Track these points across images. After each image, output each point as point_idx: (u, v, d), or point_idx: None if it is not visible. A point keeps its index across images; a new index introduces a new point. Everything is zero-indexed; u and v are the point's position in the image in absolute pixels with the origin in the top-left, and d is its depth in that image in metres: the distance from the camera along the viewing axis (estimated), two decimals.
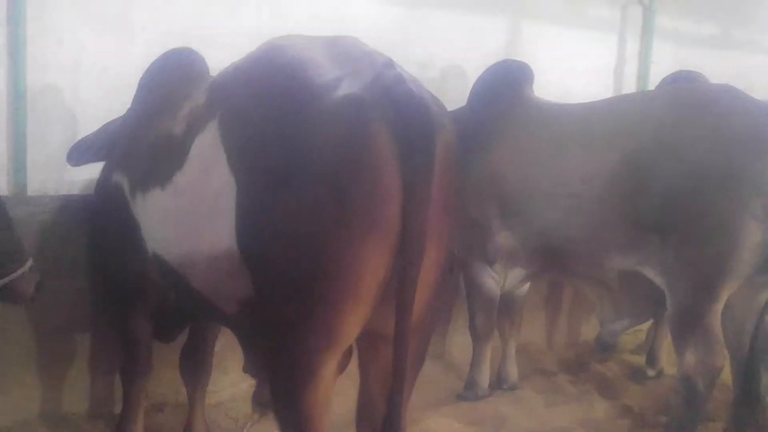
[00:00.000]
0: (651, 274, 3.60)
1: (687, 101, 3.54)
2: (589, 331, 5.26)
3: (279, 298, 2.22)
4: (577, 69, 5.89)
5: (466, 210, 4.09)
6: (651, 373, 4.79)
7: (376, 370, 2.49)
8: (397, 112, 2.11)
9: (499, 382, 4.55)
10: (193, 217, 2.46)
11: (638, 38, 6.43)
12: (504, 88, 4.22)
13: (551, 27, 5.98)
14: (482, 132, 4.11)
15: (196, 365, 3.52)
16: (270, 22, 4.48)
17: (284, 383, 2.34)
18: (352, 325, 2.23)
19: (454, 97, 4.46)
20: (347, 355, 2.53)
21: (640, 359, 5.02)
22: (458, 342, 4.82)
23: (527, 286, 4.54)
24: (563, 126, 3.86)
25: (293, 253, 2.14)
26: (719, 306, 3.41)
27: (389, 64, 2.28)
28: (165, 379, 3.92)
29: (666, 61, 6.26)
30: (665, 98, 3.63)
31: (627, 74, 6.50)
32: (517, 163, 3.92)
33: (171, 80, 3.05)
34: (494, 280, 4.19)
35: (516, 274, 4.19)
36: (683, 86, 3.67)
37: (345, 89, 2.16)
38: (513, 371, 4.58)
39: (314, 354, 2.23)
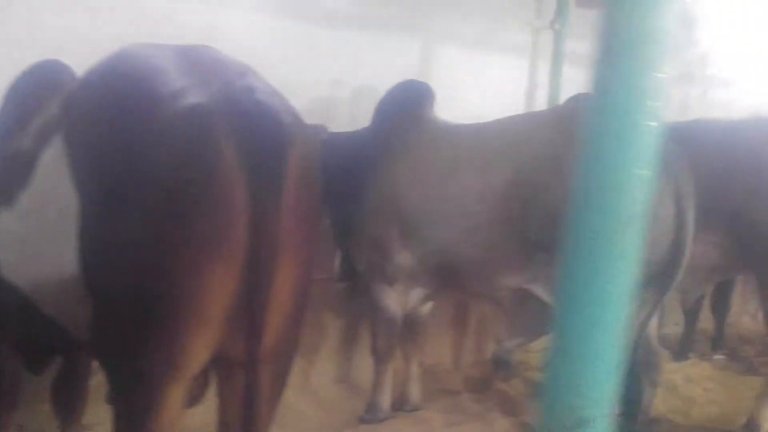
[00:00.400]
0: (540, 291, 3.66)
1: (569, 120, 3.61)
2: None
3: (116, 324, 2.13)
4: (491, 92, 6.01)
5: (368, 230, 4.13)
6: None
7: (233, 398, 2.37)
8: (244, 123, 2.03)
9: (401, 404, 4.56)
10: (38, 240, 2.37)
11: (549, 63, 6.57)
12: (404, 108, 4.26)
13: (465, 50, 6.09)
14: (383, 151, 4.15)
15: (67, 397, 3.38)
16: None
17: (126, 413, 2.23)
18: (196, 352, 2.12)
19: (366, 116, 4.52)
20: (202, 384, 2.46)
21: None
22: (361, 364, 4.81)
23: (430, 305, 4.57)
24: (458, 146, 3.92)
25: (129, 277, 2.03)
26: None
27: (243, 73, 2.22)
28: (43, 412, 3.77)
29: (577, 86, 6.38)
30: (549, 118, 3.72)
31: (539, 98, 6.64)
32: (415, 182, 3.97)
33: (30, 93, 2.89)
34: (395, 300, 4.21)
35: (417, 293, 4.23)
36: (566, 106, 3.76)
37: (190, 99, 2.05)
38: (415, 392, 4.60)
39: (156, 383, 2.12)
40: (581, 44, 6.81)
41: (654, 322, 3.69)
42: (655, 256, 3.37)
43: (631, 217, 1.54)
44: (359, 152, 4.28)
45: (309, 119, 4.65)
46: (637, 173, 1.54)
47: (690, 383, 5.39)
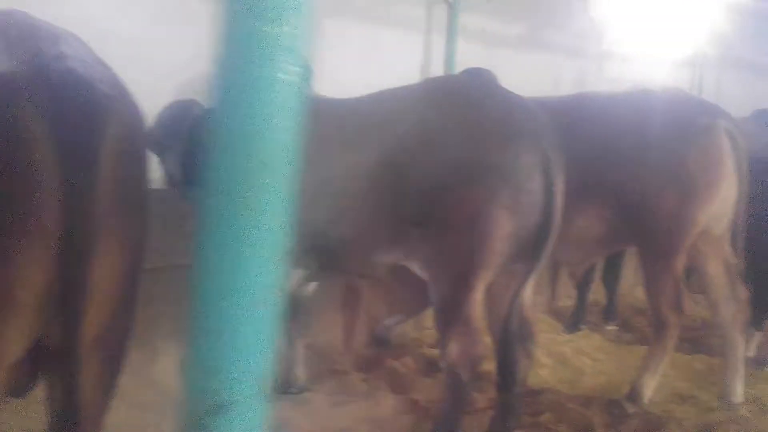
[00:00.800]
0: (416, 267, 3.61)
1: (439, 93, 3.57)
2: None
3: None
4: (384, 68, 5.91)
5: None
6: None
7: (58, 388, 2.18)
8: (53, 95, 1.86)
9: (286, 386, 4.47)
10: None
11: (443, 39, 6.52)
12: None
13: (355, 22, 5.97)
14: None
15: None
16: None
17: None
18: (10, 340, 1.96)
19: None
20: (30, 374, 2.30)
21: (437, 353, 5.03)
22: None
23: (313, 286, 4.48)
24: (329, 122, 3.81)
25: None
26: (476, 296, 3.45)
27: (56, 40, 2.05)
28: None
29: (472, 61, 6.36)
30: (421, 92, 3.65)
31: (433, 73, 6.58)
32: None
33: None
34: None
35: (299, 275, 4.12)
36: (437, 79, 3.70)
37: None
38: (301, 374, 4.51)
39: None
40: (476, 18, 6.81)
41: (528, 294, 3.67)
42: (524, 229, 3.35)
43: (263, 164, 1.44)
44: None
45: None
46: (267, 123, 1.46)
47: (580, 354, 5.44)
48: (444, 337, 3.51)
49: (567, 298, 6.63)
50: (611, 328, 6.16)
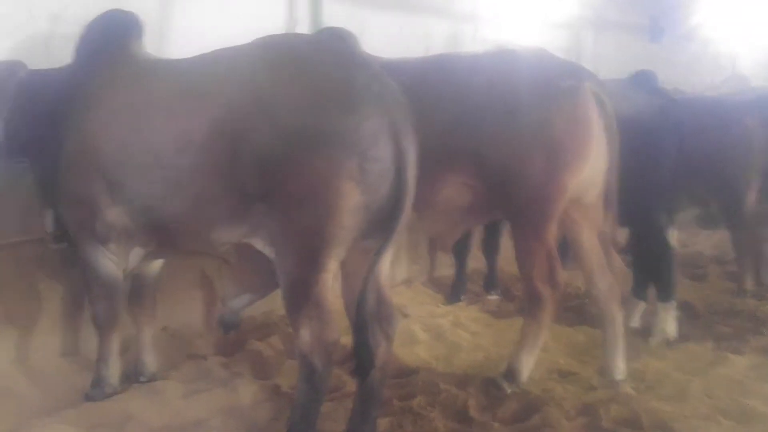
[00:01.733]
0: (260, 245, 3.30)
1: (274, 53, 3.21)
2: (256, 306, 4.92)
3: None
4: (243, 28, 5.49)
5: (70, 184, 3.61)
6: None
7: None
8: None
9: (136, 375, 4.12)
10: None
11: None
12: (105, 41, 3.73)
13: None
14: (82, 93, 3.61)
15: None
16: None
17: None
18: None
19: None
20: None
21: None
22: (92, 335, 4.28)
23: (158, 265, 4.12)
24: (158, 86, 3.43)
25: None
26: (327, 276, 3.15)
27: None
28: None
29: (338, 22, 6.02)
30: (254, 51, 3.26)
31: None
32: (112, 129, 3.46)
33: None
34: (112, 261, 3.72)
35: (136, 253, 3.75)
36: (273, 37, 3.33)
37: None
38: (150, 361, 4.16)
39: None
40: None
41: (384, 271, 3.39)
42: (374, 202, 3.06)
43: None
44: (59, 94, 3.72)
45: (25, 59, 4.11)
46: None
47: (457, 328, 5.25)
48: (294, 321, 3.21)
49: (448, 267, 6.40)
50: (492, 298, 5.99)
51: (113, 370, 3.92)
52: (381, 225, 3.14)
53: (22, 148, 3.89)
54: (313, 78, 3.07)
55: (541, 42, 7.34)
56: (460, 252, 5.96)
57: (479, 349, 4.84)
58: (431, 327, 5.20)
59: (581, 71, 4.03)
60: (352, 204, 3.01)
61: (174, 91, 3.35)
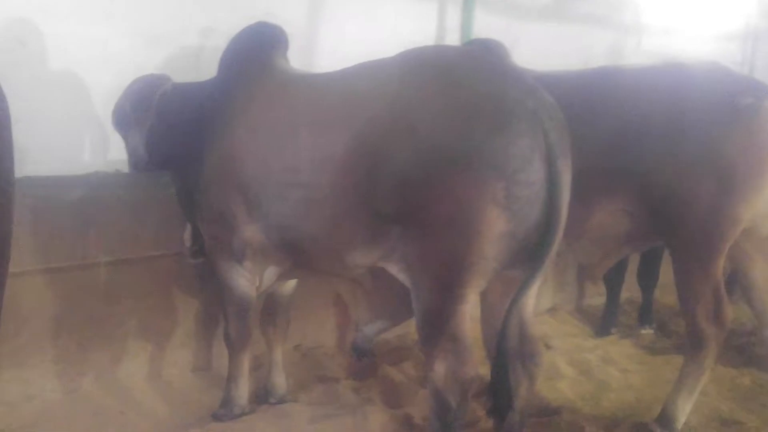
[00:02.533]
0: (395, 270, 3.07)
1: (418, 67, 2.97)
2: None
3: None
4: (391, 39, 5.33)
5: (210, 199, 3.52)
6: None
7: None
8: None
9: (266, 396, 4.00)
10: None
11: (459, 8, 5.90)
12: (250, 55, 3.62)
13: None
14: (225, 107, 3.52)
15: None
16: None
17: None
18: None
19: None
20: None
21: None
22: (224, 351, 4.20)
23: (293, 285, 3.98)
24: (299, 102, 3.28)
25: None
26: (465, 308, 2.88)
27: None
28: None
29: (491, 33, 5.77)
30: (397, 64, 3.03)
31: None
32: (253, 144, 3.34)
33: None
34: (247, 279, 3.60)
35: (271, 272, 3.62)
36: (420, 50, 3.09)
37: None
38: (280, 382, 4.03)
39: None
40: None
41: (530, 304, 3.10)
42: (521, 229, 2.76)
43: None
44: (202, 107, 3.65)
45: (176, 71, 4.10)
46: None
47: (607, 364, 4.84)
48: (428, 355, 2.96)
49: (598, 296, 5.98)
50: (646, 332, 5.52)
51: (242, 391, 3.81)
52: (528, 254, 2.85)
53: (164, 162, 3.85)
54: (459, 93, 2.82)
55: (711, 55, 6.85)
56: (612, 280, 5.51)
57: (630, 389, 4.43)
58: (577, 362, 4.83)
59: (761, 88, 3.58)
60: (495, 232, 2.73)
61: (315, 106, 3.18)
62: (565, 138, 2.85)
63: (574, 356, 4.93)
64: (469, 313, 2.92)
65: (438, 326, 2.90)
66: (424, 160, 2.76)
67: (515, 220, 2.74)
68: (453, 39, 5.86)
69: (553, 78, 4.11)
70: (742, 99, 3.46)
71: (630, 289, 5.83)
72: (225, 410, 3.77)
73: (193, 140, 3.61)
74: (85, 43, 4.22)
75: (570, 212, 3.76)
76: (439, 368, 2.91)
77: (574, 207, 3.73)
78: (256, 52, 3.61)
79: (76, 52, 4.21)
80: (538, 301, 5.67)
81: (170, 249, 4.04)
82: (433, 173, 2.75)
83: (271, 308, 3.98)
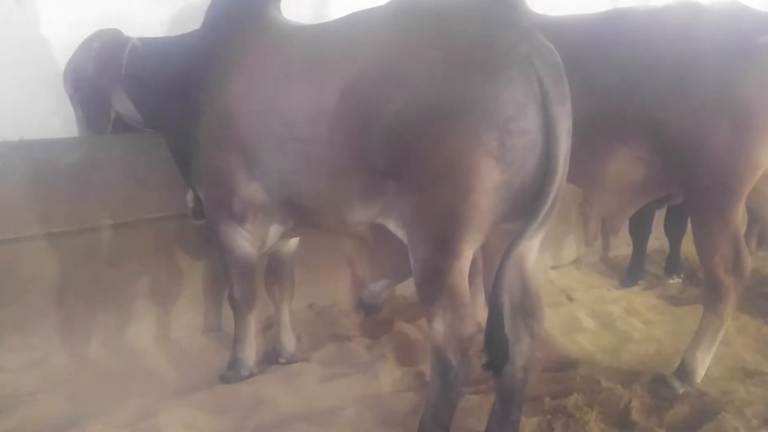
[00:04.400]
0: (393, 226, 2.99)
1: (413, 15, 2.83)
2: (408, 285, 4.63)
3: None
4: None
5: (206, 158, 3.44)
6: None
7: None
8: None
9: (276, 356, 3.96)
10: None
11: None
12: (243, 8, 3.49)
13: None
14: (216, 63, 3.41)
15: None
16: None
17: None
18: None
19: None
20: None
21: None
22: None
23: (294, 243, 3.90)
24: (295, 54, 3.16)
25: None
26: (462, 264, 2.78)
27: None
28: None
29: None
30: (390, 13, 2.89)
31: None
32: (250, 100, 3.23)
33: None
34: (248, 240, 3.52)
35: (274, 231, 3.54)
36: None
37: None
38: (289, 341, 3.98)
39: None
40: None
41: (531, 258, 2.98)
42: (518, 180, 2.64)
43: None
44: (188, 63, 3.54)
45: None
46: None
47: (629, 315, 4.71)
48: (427, 312, 2.87)
49: (626, 246, 5.80)
50: (674, 282, 5.36)
51: (249, 352, 3.76)
52: (526, 206, 2.72)
53: (152, 121, 3.77)
54: (449, 41, 2.68)
55: None
56: (638, 230, 5.36)
57: (652, 341, 4.30)
58: (599, 314, 4.71)
59: None
60: (490, 183, 2.61)
61: (307, 58, 3.07)
62: (562, 84, 2.69)
63: (595, 308, 4.81)
64: (467, 271, 2.82)
65: (435, 283, 2.80)
66: (414, 112, 2.64)
67: (510, 170, 2.62)
68: None
69: (565, 22, 3.95)
70: (758, 37, 3.27)
71: (660, 238, 5.67)
72: (232, 372, 3.73)
73: (181, 99, 3.51)
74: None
75: (584, 160, 3.67)
76: (438, 326, 2.82)
77: (589, 155, 3.64)
78: (247, 4, 3.48)
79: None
80: (562, 253, 5.58)
81: (173, 210, 3.97)
82: (423, 125, 2.63)
83: (275, 268, 3.91)
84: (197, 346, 4.12)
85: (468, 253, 2.78)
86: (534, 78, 2.60)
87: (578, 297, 5.04)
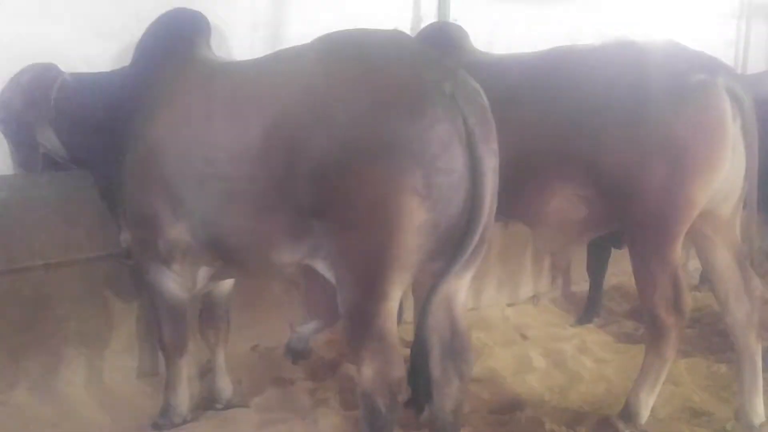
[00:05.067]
0: (321, 268, 2.90)
1: (338, 53, 2.78)
2: None
3: None
4: (364, 19, 5.11)
5: (132, 198, 3.34)
6: None
7: None
8: None
9: (212, 401, 3.82)
10: None
11: None
12: (168, 43, 3.43)
13: None
14: (142, 99, 3.32)
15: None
16: None
17: None
18: None
19: None
20: None
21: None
22: None
23: (230, 284, 3.79)
24: (220, 90, 3.09)
25: None
26: (390, 306, 2.70)
27: None
28: None
29: (470, 18, 5.50)
30: (316, 51, 2.84)
31: None
32: (174, 137, 3.15)
33: None
34: (177, 282, 3.41)
35: (204, 272, 3.43)
36: (338, 34, 2.89)
37: None
38: (225, 386, 3.85)
39: None
40: None
41: (461, 298, 2.89)
42: (444, 219, 2.57)
43: None
44: (116, 99, 3.46)
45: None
46: None
47: (582, 354, 4.64)
48: (355, 356, 2.78)
49: (584, 283, 5.72)
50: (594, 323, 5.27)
51: (182, 398, 3.63)
52: (455, 244, 2.65)
53: (79, 159, 3.67)
54: (374, 79, 2.63)
55: (705, 33, 6.58)
56: (595, 268, 5.29)
57: (602, 380, 4.24)
58: (552, 352, 4.62)
59: (714, 64, 3.37)
60: (416, 222, 2.54)
61: (231, 95, 3.00)
62: (487, 123, 2.65)
63: (549, 346, 4.73)
64: (395, 313, 2.73)
65: (363, 325, 2.71)
66: (339, 150, 2.58)
67: (436, 209, 2.56)
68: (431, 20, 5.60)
69: (505, 61, 3.95)
70: (693, 76, 3.25)
71: (618, 275, 5.61)
72: (164, 419, 3.60)
73: (108, 135, 3.42)
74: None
75: (525, 198, 3.61)
76: (367, 370, 2.72)
77: (529, 192, 3.60)
78: (176, 41, 3.41)
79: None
80: (519, 290, 5.50)
81: (106, 250, 3.84)
82: (349, 164, 2.57)
83: (210, 310, 3.79)
84: (131, 392, 3.97)
85: (396, 294, 2.70)
86: (459, 117, 2.55)
87: (532, 335, 4.95)
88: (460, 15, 5.59)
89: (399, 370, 2.72)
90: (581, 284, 5.75)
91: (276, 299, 4.39)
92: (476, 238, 2.63)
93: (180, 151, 3.11)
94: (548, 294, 5.76)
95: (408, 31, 5.54)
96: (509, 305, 5.49)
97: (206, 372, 4.07)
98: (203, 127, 3.03)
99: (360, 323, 2.72)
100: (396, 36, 2.87)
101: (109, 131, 3.40)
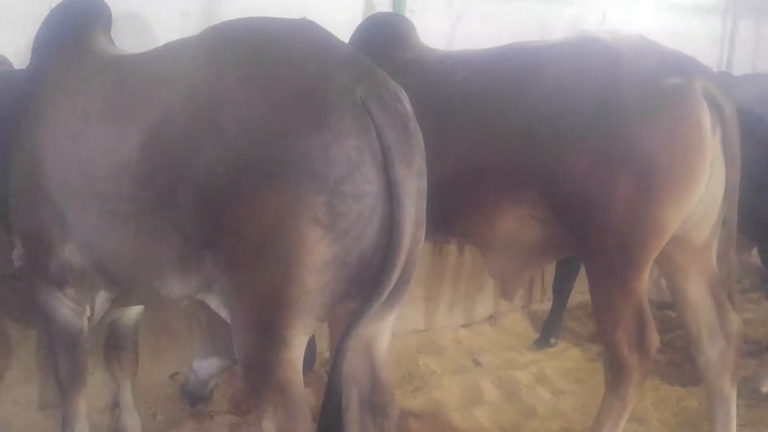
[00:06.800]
0: (215, 305, 2.50)
1: (231, 47, 2.31)
2: None
3: None
4: (315, 15, 4.68)
5: (18, 212, 2.90)
6: None
7: None
8: None
9: None
10: None
11: None
12: (64, 36, 2.98)
13: None
14: (33, 100, 2.88)
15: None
16: None
17: None
18: None
19: None
20: None
21: None
22: None
23: (138, 311, 3.35)
24: (99, 90, 2.64)
25: None
26: (294, 354, 2.27)
27: None
28: None
29: (429, 9, 5.17)
30: (205, 44, 2.37)
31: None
32: (56, 144, 2.71)
33: None
34: (71, 309, 2.96)
35: (102, 298, 2.99)
36: (230, 23, 2.42)
37: None
38: (133, 423, 3.43)
39: None
40: None
41: (383, 345, 2.48)
42: (353, 253, 2.14)
43: None
44: (11, 99, 3.01)
45: None
46: None
47: (539, 384, 4.25)
48: (255, 408, 2.35)
49: (548, 301, 5.32)
50: (553, 343, 4.88)
51: None
52: (371, 282, 2.22)
53: None
54: (272, 80, 2.18)
55: (688, 29, 6.20)
56: (560, 286, 4.88)
57: (558, 416, 3.87)
58: (505, 382, 4.23)
59: (692, 65, 2.92)
60: (318, 258, 2.11)
61: (109, 96, 2.55)
62: (409, 137, 2.20)
63: (502, 374, 4.34)
64: (299, 363, 2.31)
65: (262, 376, 2.29)
66: (226, 167, 2.14)
67: (343, 242, 2.12)
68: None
69: (455, 58, 3.52)
70: (666, 79, 2.81)
71: (584, 292, 5.19)
72: None
73: (1, 143, 2.97)
74: None
75: (471, 217, 3.20)
76: (268, 425, 2.30)
77: (475, 211, 3.20)
78: (69, 31, 2.96)
79: None
80: (475, 309, 5.09)
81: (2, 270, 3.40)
82: (237, 185, 2.13)
83: (115, 339, 3.37)
84: (31, 425, 3.53)
85: (299, 341, 2.27)
86: (372, 130, 2.11)
87: (486, 360, 4.55)
88: (417, 6, 5.19)
89: (303, 425, 2.30)
90: (545, 302, 5.36)
91: (196, 325, 3.95)
92: (395, 275, 2.20)
93: (59, 161, 2.67)
94: (508, 314, 5.33)
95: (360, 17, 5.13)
96: (464, 326, 5.06)
97: (115, 404, 3.64)
98: (80, 134, 2.59)
99: (258, 373, 2.30)
100: (303, 26, 2.41)
101: (2, 137, 2.96)
